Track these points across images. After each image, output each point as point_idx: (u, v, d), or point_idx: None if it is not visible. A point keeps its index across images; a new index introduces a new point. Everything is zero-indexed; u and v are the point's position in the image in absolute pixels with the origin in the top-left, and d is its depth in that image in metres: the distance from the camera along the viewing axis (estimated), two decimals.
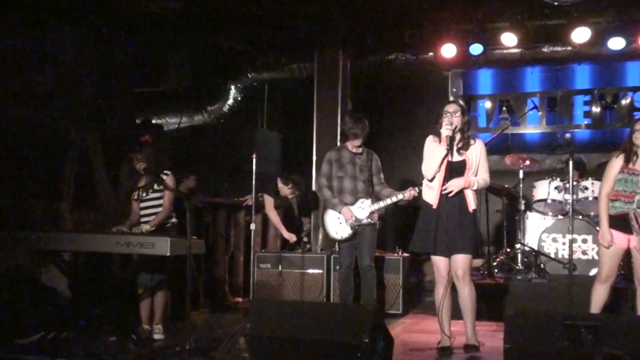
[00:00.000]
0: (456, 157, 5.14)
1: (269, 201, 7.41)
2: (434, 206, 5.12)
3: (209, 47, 9.79)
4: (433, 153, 5.14)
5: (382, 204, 6.00)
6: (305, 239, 7.77)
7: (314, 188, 8.57)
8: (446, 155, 5.06)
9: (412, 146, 9.43)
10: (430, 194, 5.18)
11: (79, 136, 7.61)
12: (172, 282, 5.93)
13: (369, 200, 6.01)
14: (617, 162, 5.11)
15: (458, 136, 5.16)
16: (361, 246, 6.02)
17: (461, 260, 5.11)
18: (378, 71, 9.27)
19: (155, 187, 5.71)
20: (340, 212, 5.98)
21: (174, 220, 5.77)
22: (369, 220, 6.00)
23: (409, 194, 5.84)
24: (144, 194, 5.78)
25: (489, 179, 5.24)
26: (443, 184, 5.08)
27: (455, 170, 5.11)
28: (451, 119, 5.11)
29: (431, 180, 5.16)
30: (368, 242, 6.02)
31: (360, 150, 6.10)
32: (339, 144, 8.46)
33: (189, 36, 9.29)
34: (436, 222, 5.11)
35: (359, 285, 6.37)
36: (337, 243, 6.10)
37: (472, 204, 5.13)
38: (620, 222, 5.05)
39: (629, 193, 5.01)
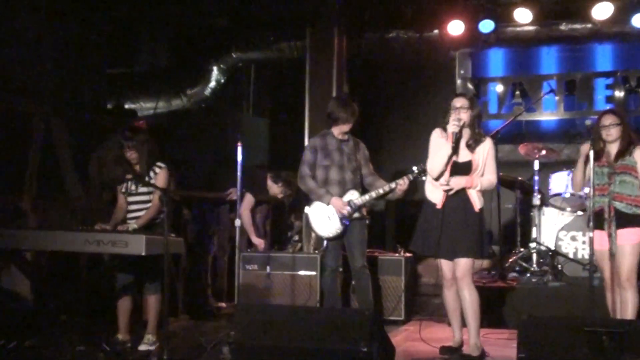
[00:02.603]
0: (463, 157, 5.23)
1: (247, 201, 7.30)
2: (438, 205, 5.23)
3: (189, 23, 9.74)
4: (439, 150, 5.23)
5: (373, 194, 5.92)
6: (296, 238, 7.75)
7: None
8: (452, 154, 5.17)
9: (414, 135, 9.44)
10: (435, 193, 5.27)
11: (42, 123, 7.56)
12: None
13: (357, 193, 5.95)
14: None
15: (467, 133, 5.25)
16: (351, 245, 5.95)
17: (461, 264, 5.22)
18: (377, 51, 9.24)
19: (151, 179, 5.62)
20: (328, 204, 5.87)
21: (163, 216, 5.63)
22: (359, 214, 5.94)
23: (399, 183, 5.79)
24: (133, 188, 5.71)
25: (496, 179, 5.38)
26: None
27: (460, 170, 5.22)
28: (459, 114, 5.18)
29: (437, 179, 5.25)
30: (358, 239, 5.94)
31: (346, 137, 6.06)
32: None
33: (166, 11, 9.25)
34: (440, 222, 5.18)
35: (349, 290, 6.37)
36: (324, 242, 6.02)
37: (477, 203, 5.23)
38: (600, 220, 5.23)
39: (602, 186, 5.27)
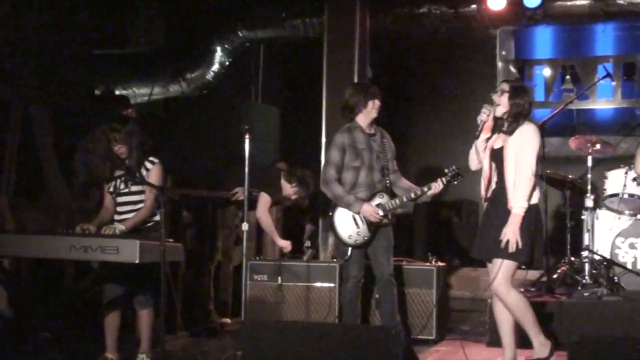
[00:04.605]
0: (498, 143, 5.30)
1: (263, 201, 7.30)
2: (482, 199, 5.39)
3: None
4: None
5: (404, 198, 6.01)
6: (307, 244, 7.75)
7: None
8: (481, 141, 5.29)
9: (447, 126, 9.45)
10: (481, 184, 5.40)
11: (21, 111, 7.61)
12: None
13: (387, 196, 6.02)
14: None
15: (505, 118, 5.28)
16: (376, 252, 6.02)
17: (495, 267, 5.19)
18: (405, 28, 9.24)
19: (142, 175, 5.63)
20: (358, 213, 5.93)
21: (157, 218, 5.65)
22: (386, 219, 6.01)
23: (431, 187, 5.87)
24: (123, 187, 5.74)
25: (526, 172, 5.14)
26: (489, 174, 5.32)
27: (495, 157, 5.30)
28: (497, 98, 5.24)
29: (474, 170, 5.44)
30: (385, 246, 6.03)
31: (373, 129, 6.11)
32: None
33: None
34: (483, 218, 5.35)
35: (367, 305, 6.38)
36: (348, 250, 6.05)
37: (510, 201, 5.19)
38: None
39: None
